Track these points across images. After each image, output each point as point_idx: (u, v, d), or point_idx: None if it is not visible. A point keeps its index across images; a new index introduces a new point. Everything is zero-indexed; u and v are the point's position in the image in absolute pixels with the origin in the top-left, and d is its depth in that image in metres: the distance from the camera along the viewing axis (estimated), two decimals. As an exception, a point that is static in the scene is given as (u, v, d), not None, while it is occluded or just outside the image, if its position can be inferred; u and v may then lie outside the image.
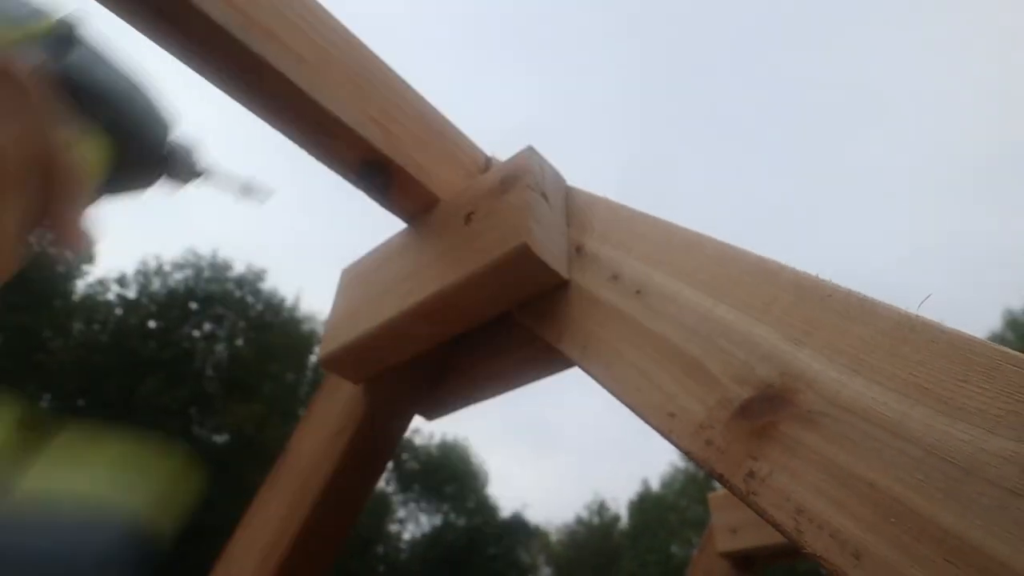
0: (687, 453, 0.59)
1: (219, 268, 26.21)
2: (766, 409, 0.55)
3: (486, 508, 36.74)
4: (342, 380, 1.09)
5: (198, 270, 25.78)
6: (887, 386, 0.50)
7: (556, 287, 0.84)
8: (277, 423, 23.20)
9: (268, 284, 27.56)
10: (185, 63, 0.83)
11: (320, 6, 0.97)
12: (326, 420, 1.09)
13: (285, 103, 0.89)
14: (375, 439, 1.05)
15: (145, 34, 0.79)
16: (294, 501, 1.03)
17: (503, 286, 0.85)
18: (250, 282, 26.74)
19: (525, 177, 0.88)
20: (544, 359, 1.01)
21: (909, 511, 0.45)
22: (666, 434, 0.61)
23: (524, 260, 0.81)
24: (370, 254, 1.12)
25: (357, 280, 1.09)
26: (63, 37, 0.67)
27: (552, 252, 0.83)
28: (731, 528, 2.08)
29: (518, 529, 37.61)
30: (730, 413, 0.58)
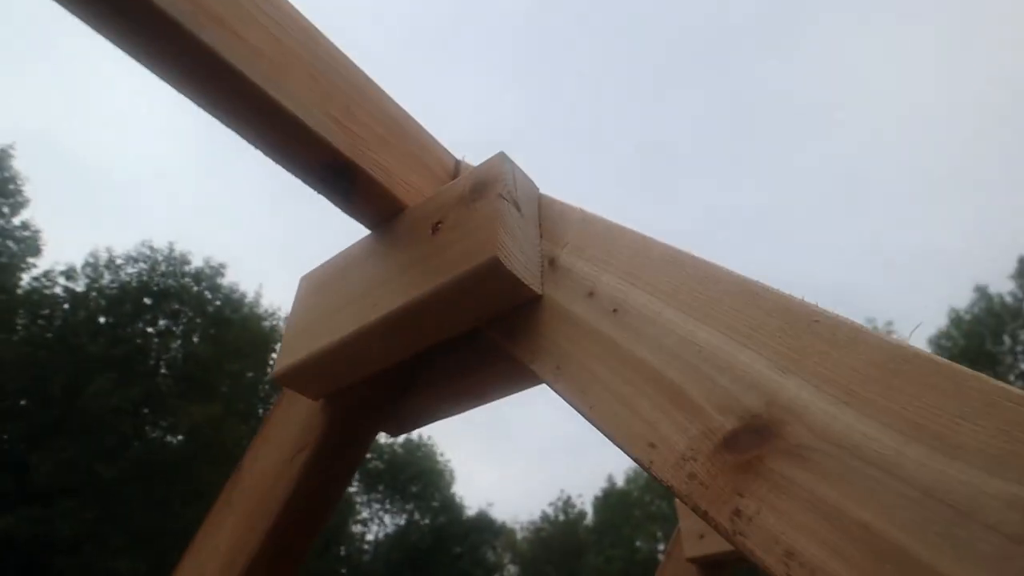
0: (669, 487, 0.56)
1: (175, 262, 25.36)
2: (752, 442, 0.52)
3: (452, 507, 36.59)
4: (299, 395, 1.03)
5: (153, 264, 24.89)
6: (880, 420, 0.48)
7: (528, 302, 0.80)
8: (236, 423, 22.58)
9: (228, 279, 26.81)
10: (133, 57, 0.75)
11: None
12: (282, 438, 1.03)
13: (240, 100, 0.82)
14: (335, 459, 0.99)
15: (90, 24, 0.72)
16: (248, 525, 0.97)
17: (472, 301, 0.81)
18: (208, 277, 25.96)
19: (496, 185, 0.84)
20: (515, 375, 0.97)
21: (907, 556, 0.42)
22: (646, 465, 0.58)
23: (494, 274, 0.76)
24: (330, 261, 1.06)
25: (316, 289, 1.03)
26: None
27: (524, 265, 0.79)
28: (698, 534, 2.08)
29: (484, 527, 37.58)
30: (713, 445, 0.55)
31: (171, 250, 25.37)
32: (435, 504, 35.86)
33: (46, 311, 22.01)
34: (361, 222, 1.02)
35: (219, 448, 21.11)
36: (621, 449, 0.61)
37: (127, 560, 17.78)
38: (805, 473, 0.49)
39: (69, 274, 23.06)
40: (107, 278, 23.86)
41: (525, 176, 0.92)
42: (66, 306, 22.38)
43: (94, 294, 23.06)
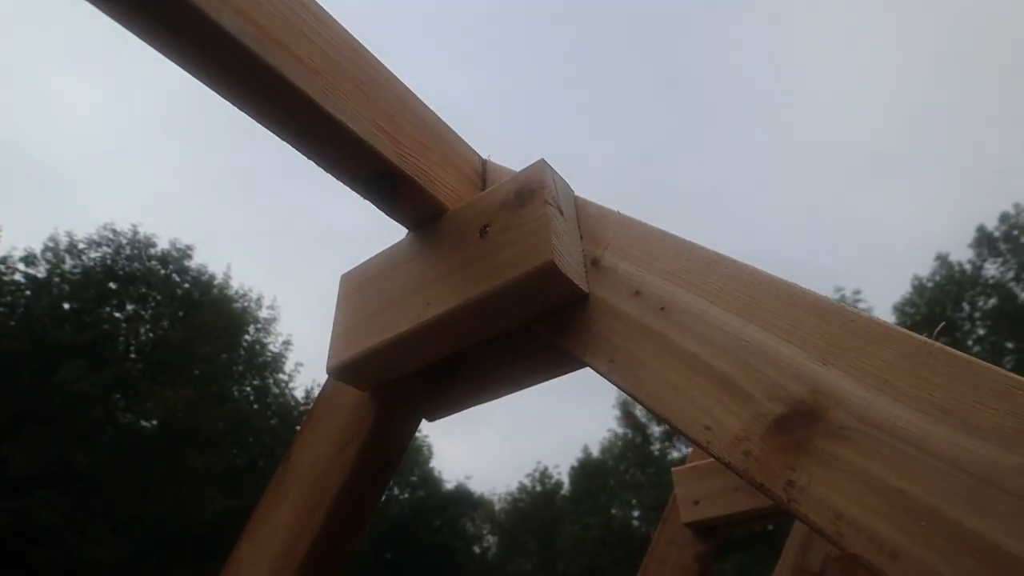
0: (726, 464, 0.65)
1: (140, 245, 24.70)
2: (800, 424, 0.62)
3: (430, 481, 37.03)
4: (345, 386, 1.10)
5: (117, 247, 24.20)
6: (910, 405, 0.57)
7: (576, 300, 0.88)
8: (210, 406, 22.36)
9: (195, 261, 26.22)
10: (199, 79, 0.80)
11: (325, 11, 0.95)
12: (331, 428, 1.09)
13: (297, 115, 0.87)
14: (384, 447, 1.06)
15: (159, 49, 0.76)
16: (305, 513, 1.04)
17: (526, 300, 0.88)
18: (175, 259, 25.37)
19: (542, 192, 0.91)
20: (551, 363, 1.05)
21: (937, 516, 0.52)
22: (703, 445, 0.67)
23: (549, 276, 0.84)
24: (371, 261, 1.12)
25: (361, 288, 1.09)
26: None
27: (573, 267, 0.87)
28: (693, 500, 2.22)
29: (462, 500, 38.18)
30: (765, 427, 0.64)
31: (135, 233, 24.69)
32: (414, 479, 36.24)
33: (7, 298, 21.30)
34: (401, 223, 1.08)
35: (194, 431, 20.92)
36: (679, 431, 0.70)
37: (108, 547, 17.66)
38: (848, 450, 0.58)
39: (29, 260, 22.29)
40: (69, 263, 23.14)
41: (563, 180, 0.98)
42: (28, 292, 21.69)
43: (56, 279, 22.38)
